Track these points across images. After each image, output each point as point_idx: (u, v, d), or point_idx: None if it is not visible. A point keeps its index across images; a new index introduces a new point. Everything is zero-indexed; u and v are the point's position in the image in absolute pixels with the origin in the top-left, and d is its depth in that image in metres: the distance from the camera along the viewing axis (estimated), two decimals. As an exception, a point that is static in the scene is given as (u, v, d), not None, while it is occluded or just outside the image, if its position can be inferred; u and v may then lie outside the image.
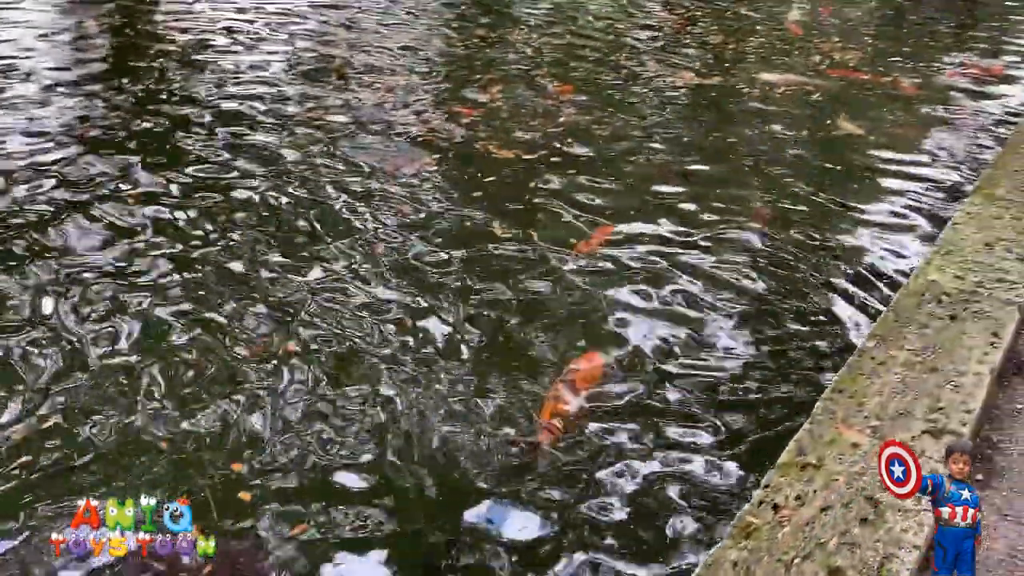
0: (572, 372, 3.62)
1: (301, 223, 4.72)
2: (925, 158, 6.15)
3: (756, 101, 7.17)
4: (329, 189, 5.12)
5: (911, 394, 2.98)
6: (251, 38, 8.18)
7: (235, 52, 7.72)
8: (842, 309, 4.23)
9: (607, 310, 4.09)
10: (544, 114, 6.56)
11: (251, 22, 8.74)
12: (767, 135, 6.42)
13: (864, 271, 4.58)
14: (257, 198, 4.98)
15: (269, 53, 7.72)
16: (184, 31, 8.28)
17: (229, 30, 8.43)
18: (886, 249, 4.86)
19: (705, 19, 9.99)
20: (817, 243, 4.86)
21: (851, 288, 4.41)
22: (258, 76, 7.10)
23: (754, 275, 4.47)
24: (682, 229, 4.89)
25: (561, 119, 6.46)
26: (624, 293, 4.25)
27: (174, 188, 5.03)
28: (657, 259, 4.56)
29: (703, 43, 8.90)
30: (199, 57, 7.47)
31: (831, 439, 2.74)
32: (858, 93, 7.56)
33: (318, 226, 4.69)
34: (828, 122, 6.72)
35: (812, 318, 4.15)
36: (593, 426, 3.34)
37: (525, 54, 8.17)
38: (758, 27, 9.81)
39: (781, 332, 4.03)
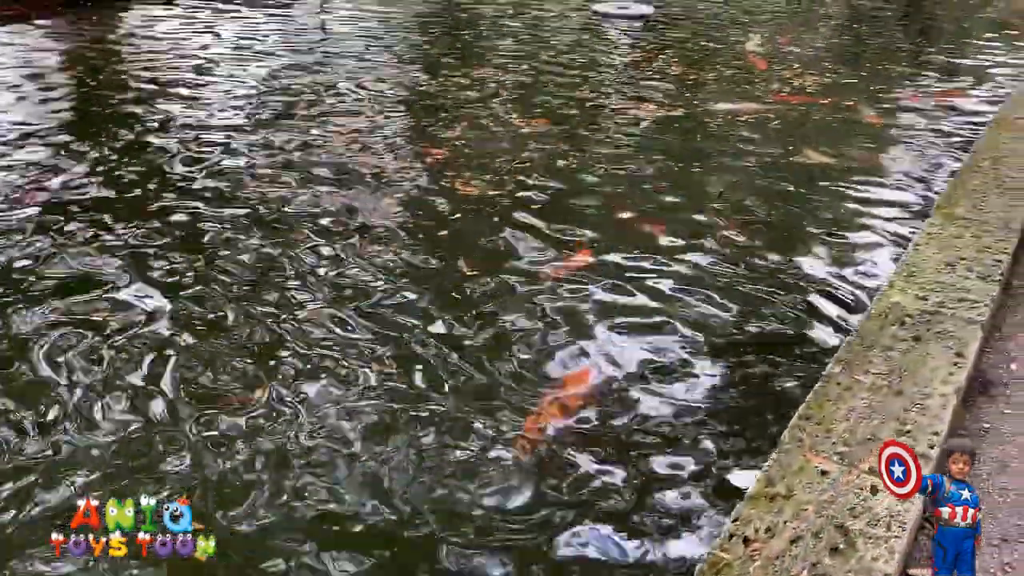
0: (556, 392, 3.71)
1: (269, 270, 4.67)
2: (888, 180, 6.24)
3: (719, 130, 7.26)
4: (295, 235, 5.08)
5: (878, 418, 2.98)
6: (216, 79, 8.19)
7: (200, 95, 7.71)
8: (812, 333, 4.27)
9: (580, 336, 4.13)
10: (511, 149, 6.59)
11: (215, 63, 8.75)
12: (731, 164, 6.48)
13: (832, 294, 4.62)
14: (222, 245, 4.94)
15: (235, 96, 7.72)
16: (150, 72, 8.28)
17: (197, 69, 8.44)
18: (853, 272, 4.89)
19: (666, 51, 10.13)
20: (785, 268, 4.90)
21: (820, 312, 4.44)
22: (223, 119, 7.09)
23: (724, 300, 4.50)
24: (651, 256, 4.94)
25: (527, 153, 6.49)
26: (596, 319, 4.30)
27: (137, 237, 4.98)
28: (626, 286, 4.60)
29: (665, 74, 9.01)
30: (163, 103, 7.46)
31: (799, 467, 2.73)
32: (820, 119, 7.68)
33: (287, 272, 4.65)
34: (791, 148, 6.81)
35: (782, 343, 4.17)
36: (567, 449, 3.37)
37: (491, 89, 8.23)
38: (718, 57, 9.96)
39: (752, 357, 4.04)
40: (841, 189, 6.04)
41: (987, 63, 9.90)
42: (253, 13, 11.18)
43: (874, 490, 2.59)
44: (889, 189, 6.07)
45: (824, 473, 2.69)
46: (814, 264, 4.97)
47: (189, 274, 4.59)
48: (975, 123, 7.44)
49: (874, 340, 3.49)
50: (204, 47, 9.45)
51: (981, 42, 11.16)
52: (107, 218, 5.19)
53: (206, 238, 5.02)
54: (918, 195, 5.95)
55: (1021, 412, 3.26)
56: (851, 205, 5.78)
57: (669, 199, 5.80)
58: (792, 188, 6.05)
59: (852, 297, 4.59)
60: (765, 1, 14.58)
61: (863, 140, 7.11)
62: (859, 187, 6.08)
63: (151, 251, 4.81)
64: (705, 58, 9.91)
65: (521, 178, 5.99)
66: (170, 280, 4.52)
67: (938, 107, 7.99)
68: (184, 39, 9.84)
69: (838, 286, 4.71)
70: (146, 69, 8.55)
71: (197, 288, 4.45)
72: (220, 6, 11.48)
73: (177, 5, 11.51)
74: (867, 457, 2.75)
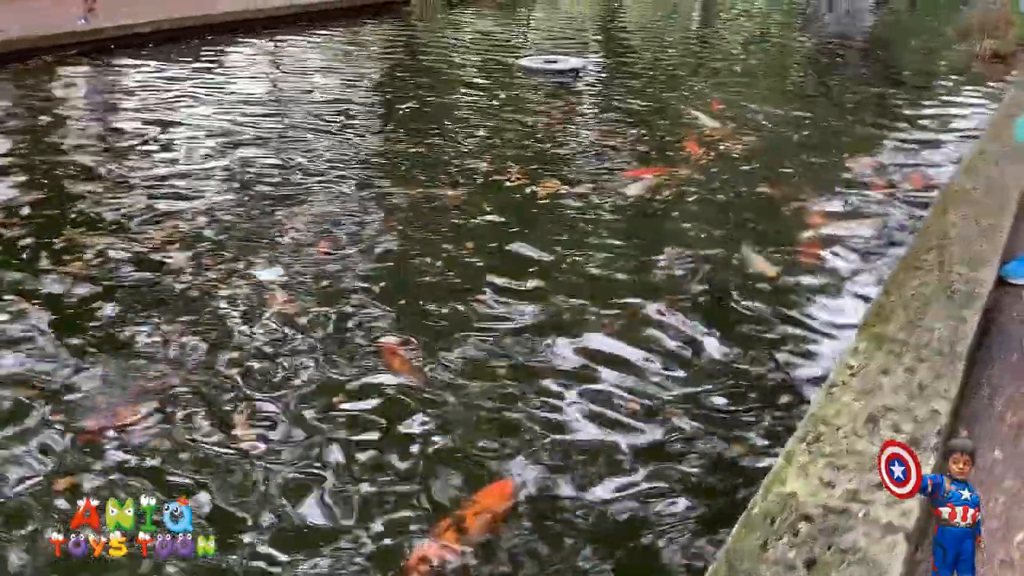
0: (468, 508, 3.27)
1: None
2: (827, 289, 5.20)
3: (632, 215, 6.23)
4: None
5: None
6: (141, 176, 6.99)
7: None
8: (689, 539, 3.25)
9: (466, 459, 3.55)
10: (373, 236, 5.60)
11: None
12: (638, 262, 5.40)
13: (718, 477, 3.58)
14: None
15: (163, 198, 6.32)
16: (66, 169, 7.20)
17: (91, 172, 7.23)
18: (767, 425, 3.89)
19: (584, 113, 9.13)
20: (686, 423, 3.89)
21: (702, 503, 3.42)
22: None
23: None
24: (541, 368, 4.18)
25: (381, 251, 5.46)
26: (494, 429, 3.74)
27: None
28: (527, 398, 3.95)
29: (577, 142, 8.00)
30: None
31: None
32: (749, 193, 6.68)
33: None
34: (706, 236, 5.77)
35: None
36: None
37: (377, 164, 7.21)
38: (644, 120, 8.89)
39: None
40: (770, 296, 5.03)
41: (951, 114, 9.04)
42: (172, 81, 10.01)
43: None
44: (831, 297, 5.06)
45: None
46: (720, 416, 3.97)
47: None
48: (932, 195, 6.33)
49: (750, 569, 2.39)
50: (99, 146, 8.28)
51: (943, 90, 10.40)
52: None
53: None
54: (857, 308, 4.80)
55: None
56: (781, 320, 4.79)
57: (564, 306, 4.77)
58: (703, 295, 5.02)
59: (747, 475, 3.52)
60: (721, 51, 13.85)
61: (797, 228, 6.04)
62: (796, 294, 5.10)
63: None
64: (625, 122, 8.80)
65: (377, 282, 4.98)
66: None
67: (895, 196, 6.71)
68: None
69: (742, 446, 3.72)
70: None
71: None
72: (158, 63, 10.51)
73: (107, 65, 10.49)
74: None
